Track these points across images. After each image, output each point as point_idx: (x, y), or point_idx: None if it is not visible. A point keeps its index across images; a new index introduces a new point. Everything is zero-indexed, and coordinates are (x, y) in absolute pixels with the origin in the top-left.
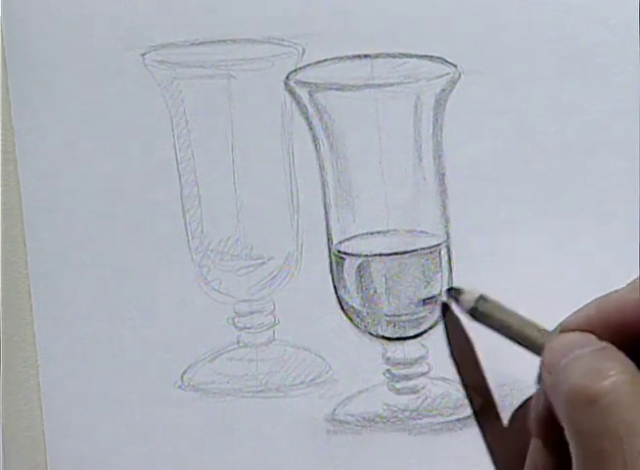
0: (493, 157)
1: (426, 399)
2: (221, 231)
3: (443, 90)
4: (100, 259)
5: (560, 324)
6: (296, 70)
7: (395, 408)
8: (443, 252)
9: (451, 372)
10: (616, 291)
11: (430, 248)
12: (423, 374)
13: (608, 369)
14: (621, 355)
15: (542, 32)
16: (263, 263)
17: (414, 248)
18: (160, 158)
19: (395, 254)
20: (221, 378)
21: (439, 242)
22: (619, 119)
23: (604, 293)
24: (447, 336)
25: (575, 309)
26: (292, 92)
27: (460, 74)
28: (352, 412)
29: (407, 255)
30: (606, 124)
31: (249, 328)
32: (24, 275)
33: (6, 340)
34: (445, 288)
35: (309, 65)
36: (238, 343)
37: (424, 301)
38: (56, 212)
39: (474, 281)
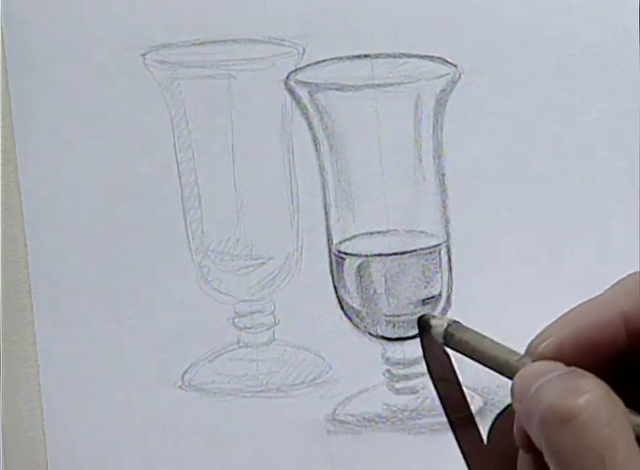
0: (493, 157)
1: (425, 399)
2: (221, 231)
3: (443, 90)
4: (100, 260)
5: (529, 346)
6: (296, 71)
7: (395, 408)
8: (443, 252)
9: None
10: (589, 302)
11: (429, 248)
12: (422, 374)
13: (581, 386)
14: (590, 374)
15: (542, 32)
16: (263, 263)
17: (414, 248)
18: (161, 158)
19: (395, 254)
20: (222, 378)
21: (439, 242)
22: (619, 119)
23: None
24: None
25: (548, 325)
26: (292, 92)
27: (460, 75)
28: (352, 412)
29: (407, 255)
30: (605, 124)
31: (249, 328)
32: (25, 275)
33: (6, 340)
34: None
35: (309, 65)
36: (238, 343)
37: (423, 301)
38: (56, 213)
39: (473, 281)
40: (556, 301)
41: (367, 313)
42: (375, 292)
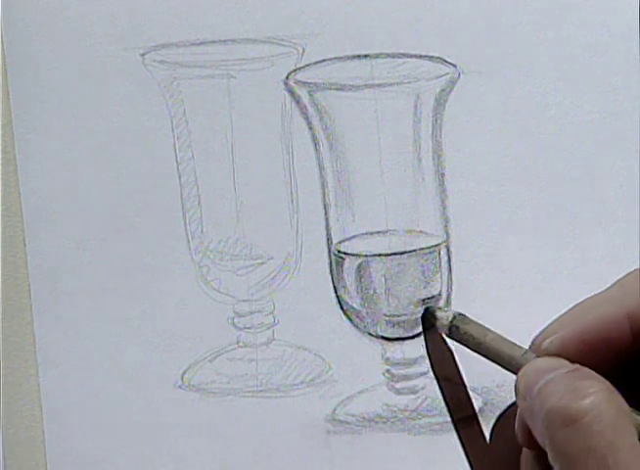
0: (493, 157)
1: (425, 399)
2: (221, 231)
3: (443, 90)
4: (100, 260)
5: (533, 341)
6: (295, 70)
7: (395, 408)
8: (443, 252)
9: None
10: (595, 299)
11: (429, 248)
12: (422, 374)
13: (585, 388)
14: (594, 374)
15: (541, 32)
16: (263, 263)
17: (413, 248)
18: (160, 158)
19: (395, 254)
20: (221, 378)
21: (439, 242)
22: (619, 120)
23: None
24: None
25: (552, 320)
26: (291, 92)
27: (459, 74)
28: (352, 412)
29: (407, 255)
30: (605, 124)
31: (248, 328)
32: (25, 275)
33: (6, 340)
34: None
35: (309, 65)
36: (238, 343)
37: (423, 301)
38: (55, 212)
39: (473, 281)
40: (556, 300)
41: (367, 313)
42: (374, 292)
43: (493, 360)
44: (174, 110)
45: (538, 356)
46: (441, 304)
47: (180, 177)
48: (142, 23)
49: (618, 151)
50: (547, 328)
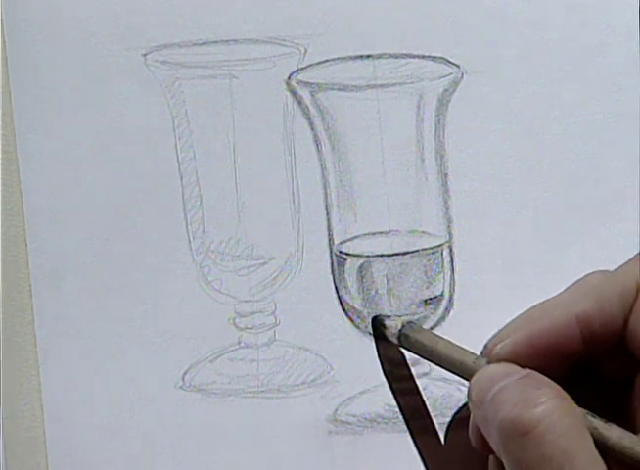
0: (496, 157)
1: (427, 399)
2: (222, 231)
3: (446, 90)
4: (101, 260)
5: (485, 347)
6: (298, 71)
7: (397, 409)
8: (445, 252)
9: None
10: (546, 304)
11: (432, 248)
12: (424, 375)
13: (536, 396)
14: (546, 379)
15: (544, 33)
16: (264, 264)
17: (416, 248)
18: (162, 158)
19: (397, 254)
20: (222, 378)
21: (442, 242)
22: (623, 120)
23: None
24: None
25: (504, 325)
26: (293, 92)
27: (462, 75)
28: (354, 413)
29: (409, 255)
30: (609, 125)
31: (250, 328)
32: (26, 275)
33: (7, 340)
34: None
35: (311, 65)
36: (239, 343)
37: (426, 301)
38: (57, 213)
39: (476, 281)
40: None
41: (368, 314)
42: (376, 292)
43: (445, 368)
44: (176, 110)
45: (490, 362)
46: (444, 303)
47: (182, 177)
48: (144, 24)
49: (622, 151)
50: (498, 333)
